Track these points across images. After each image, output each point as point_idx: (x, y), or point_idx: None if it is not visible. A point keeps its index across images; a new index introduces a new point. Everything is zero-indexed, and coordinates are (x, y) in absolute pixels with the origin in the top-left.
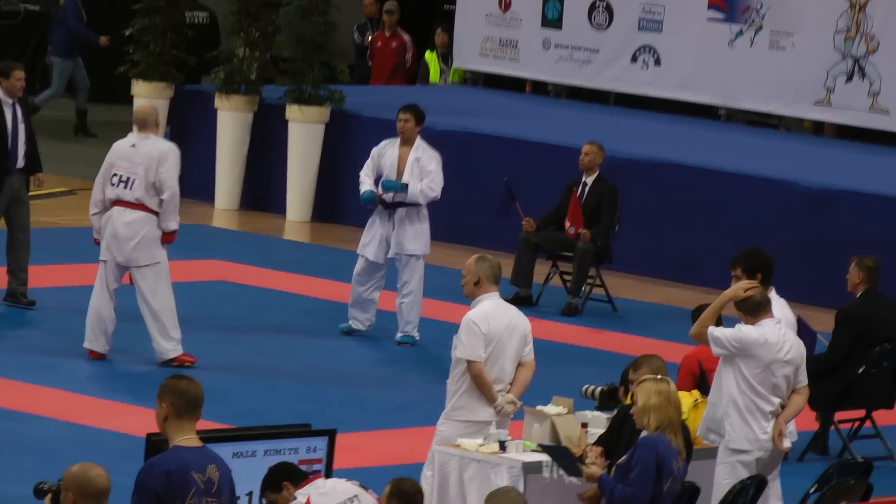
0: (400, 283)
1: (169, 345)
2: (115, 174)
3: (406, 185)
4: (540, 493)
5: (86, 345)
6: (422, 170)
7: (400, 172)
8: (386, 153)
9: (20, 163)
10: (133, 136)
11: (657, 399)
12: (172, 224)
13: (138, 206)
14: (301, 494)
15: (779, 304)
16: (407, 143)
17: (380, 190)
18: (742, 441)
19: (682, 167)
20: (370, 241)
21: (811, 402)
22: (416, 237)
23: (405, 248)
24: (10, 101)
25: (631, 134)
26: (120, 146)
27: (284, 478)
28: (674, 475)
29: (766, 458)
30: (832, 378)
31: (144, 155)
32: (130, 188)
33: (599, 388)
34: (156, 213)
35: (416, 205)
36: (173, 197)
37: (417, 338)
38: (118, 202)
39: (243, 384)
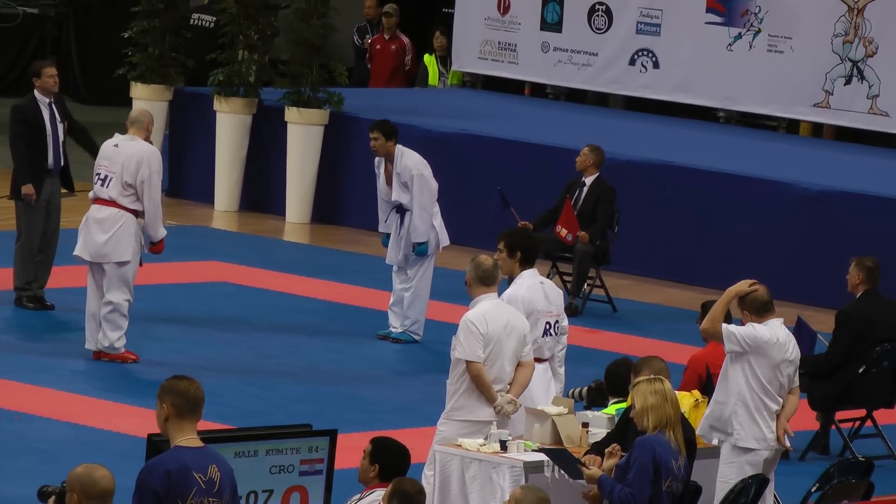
0: (406, 282)
1: (115, 337)
2: (97, 173)
3: (422, 243)
4: None
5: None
6: (404, 185)
7: (390, 191)
8: (379, 173)
9: (59, 163)
10: (119, 137)
11: (654, 399)
12: (159, 232)
13: (112, 203)
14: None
15: (532, 282)
16: (388, 159)
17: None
18: (750, 440)
19: (681, 169)
20: (389, 247)
21: (812, 402)
22: (425, 237)
23: (410, 249)
24: (47, 101)
25: (630, 136)
26: (105, 146)
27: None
28: (673, 475)
29: (770, 458)
30: (832, 378)
31: (124, 155)
32: (107, 186)
33: (587, 387)
34: (131, 212)
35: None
36: (154, 205)
37: (418, 338)
38: (95, 200)
39: (243, 385)
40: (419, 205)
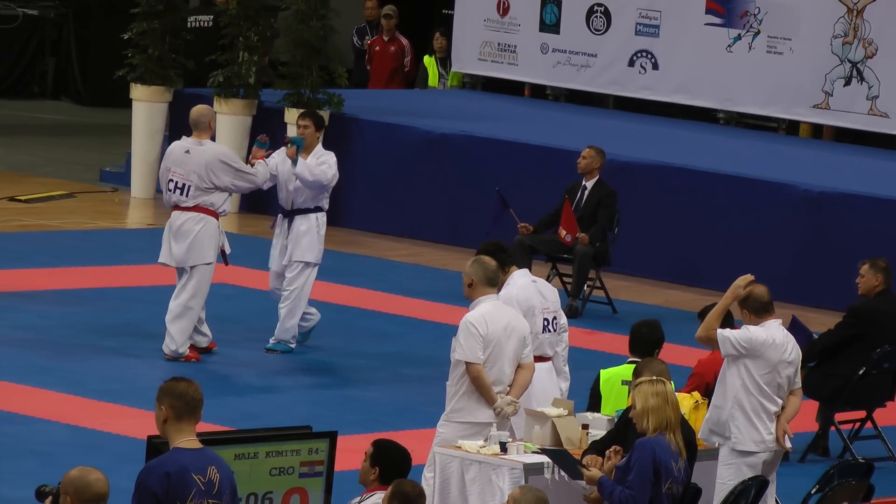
0: (284, 288)
1: (181, 341)
2: (170, 179)
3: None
4: None
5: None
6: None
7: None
8: (283, 159)
9: None
10: (188, 142)
11: (654, 401)
12: (259, 174)
13: (192, 209)
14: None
15: (524, 281)
16: (307, 150)
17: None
18: (748, 443)
19: (681, 170)
20: (273, 250)
21: (811, 391)
22: (310, 246)
23: (295, 256)
24: None
25: (630, 137)
26: (176, 151)
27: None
28: (673, 477)
29: (769, 459)
30: (825, 368)
31: (195, 163)
32: (187, 195)
33: None
34: (212, 214)
35: (314, 213)
36: (253, 183)
37: (293, 347)
38: (176, 207)
39: (243, 387)
40: (322, 168)
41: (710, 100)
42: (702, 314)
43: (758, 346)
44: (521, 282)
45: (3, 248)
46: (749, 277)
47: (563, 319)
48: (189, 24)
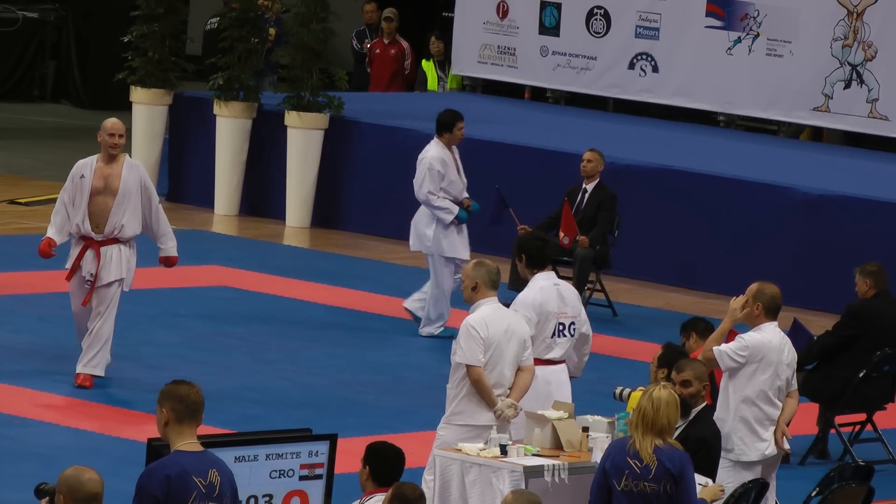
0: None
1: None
2: None
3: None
4: (542, 497)
5: None
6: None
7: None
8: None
9: None
10: None
11: (640, 402)
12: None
13: None
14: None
15: (545, 284)
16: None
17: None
18: (753, 453)
19: (681, 173)
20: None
21: (811, 394)
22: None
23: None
24: None
25: (630, 140)
26: None
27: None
28: (635, 475)
29: (769, 462)
30: (832, 381)
31: None
32: None
33: (629, 391)
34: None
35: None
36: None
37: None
38: None
39: (243, 389)
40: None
41: (710, 103)
42: (684, 328)
43: (757, 349)
44: (542, 284)
45: (3, 251)
46: (742, 299)
47: (583, 328)
48: (207, 27)
